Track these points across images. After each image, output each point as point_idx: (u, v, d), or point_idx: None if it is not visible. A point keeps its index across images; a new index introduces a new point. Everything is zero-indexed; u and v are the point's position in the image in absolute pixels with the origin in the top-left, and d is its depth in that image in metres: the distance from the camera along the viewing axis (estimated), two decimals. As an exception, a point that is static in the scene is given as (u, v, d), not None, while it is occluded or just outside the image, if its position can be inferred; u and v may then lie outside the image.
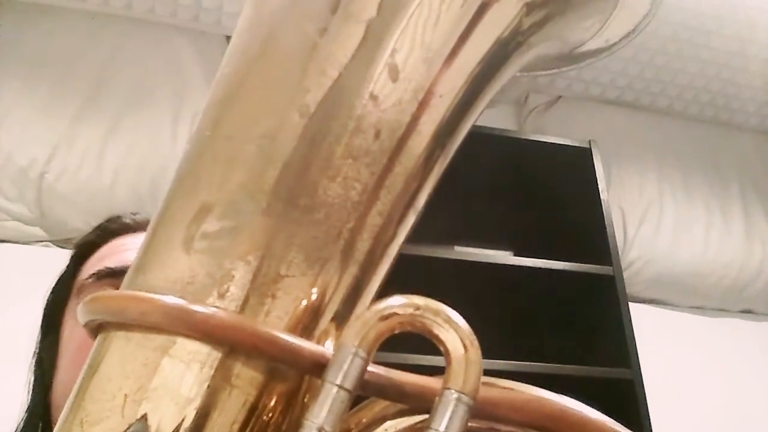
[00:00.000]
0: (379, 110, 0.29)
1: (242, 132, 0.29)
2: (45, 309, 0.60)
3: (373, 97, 0.29)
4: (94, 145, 1.47)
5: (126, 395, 0.24)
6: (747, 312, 1.89)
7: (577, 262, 1.43)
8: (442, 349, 0.24)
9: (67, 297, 0.58)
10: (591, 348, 1.45)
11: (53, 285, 0.61)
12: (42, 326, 0.59)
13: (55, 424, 0.52)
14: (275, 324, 0.26)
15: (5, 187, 1.43)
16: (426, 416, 0.24)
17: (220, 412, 0.24)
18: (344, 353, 0.24)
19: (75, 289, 0.57)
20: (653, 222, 1.79)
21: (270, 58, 0.31)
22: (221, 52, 1.67)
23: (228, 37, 1.69)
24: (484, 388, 0.24)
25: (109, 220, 0.63)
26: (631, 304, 1.41)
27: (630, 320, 1.37)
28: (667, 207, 1.82)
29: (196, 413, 0.24)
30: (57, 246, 1.46)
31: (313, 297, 0.27)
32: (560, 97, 1.90)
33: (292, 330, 0.26)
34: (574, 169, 1.57)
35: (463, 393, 0.23)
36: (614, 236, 1.48)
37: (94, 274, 0.54)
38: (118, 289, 0.50)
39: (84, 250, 0.60)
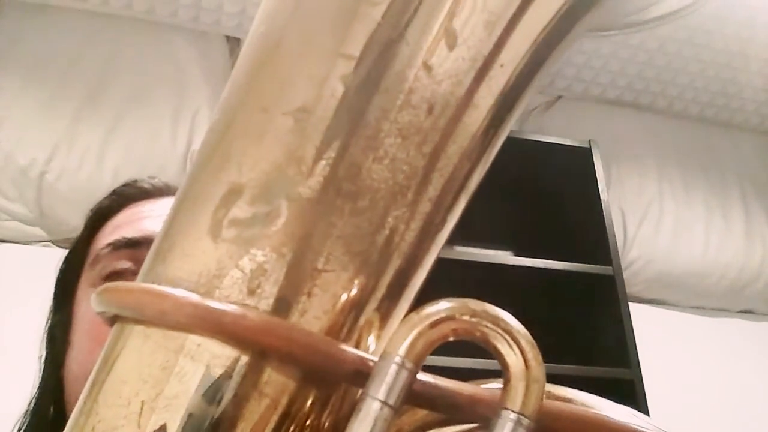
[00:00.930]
0: (433, 82, 0.25)
1: (277, 103, 0.26)
2: (57, 280, 0.56)
3: (427, 67, 0.25)
4: (94, 145, 1.47)
5: (143, 402, 0.22)
6: (747, 312, 1.89)
7: (577, 262, 1.44)
8: (500, 362, 0.22)
9: (81, 267, 0.54)
10: (591, 348, 1.45)
11: (66, 254, 0.57)
12: (54, 298, 0.56)
13: (68, 403, 0.50)
14: (311, 325, 0.23)
15: (5, 187, 1.43)
16: (472, 425, 0.23)
17: (247, 423, 0.22)
18: (389, 364, 0.21)
19: (90, 258, 0.53)
20: (653, 222, 1.79)
21: (309, 18, 0.27)
22: (221, 52, 1.67)
23: (228, 37, 1.69)
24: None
25: (126, 185, 0.59)
26: (631, 304, 1.42)
27: (630, 320, 1.37)
28: (667, 207, 1.82)
29: (221, 425, 0.22)
30: (57, 246, 1.46)
31: (354, 294, 0.24)
32: (560, 97, 1.89)
33: (330, 332, 0.24)
34: (574, 169, 1.57)
35: (522, 415, 0.21)
36: (614, 236, 1.48)
37: (110, 243, 0.51)
38: (135, 260, 0.49)
39: (99, 216, 0.56)
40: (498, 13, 0.26)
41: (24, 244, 1.46)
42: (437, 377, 0.23)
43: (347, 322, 0.24)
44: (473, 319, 0.22)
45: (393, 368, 0.21)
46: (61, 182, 1.43)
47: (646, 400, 1.29)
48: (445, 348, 0.26)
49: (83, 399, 0.24)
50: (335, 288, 0.24)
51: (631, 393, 1.29)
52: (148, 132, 1.51)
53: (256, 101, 0.26)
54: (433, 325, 0.22)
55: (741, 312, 1.89)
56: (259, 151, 0.25)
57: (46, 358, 0.54)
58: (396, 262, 0.25)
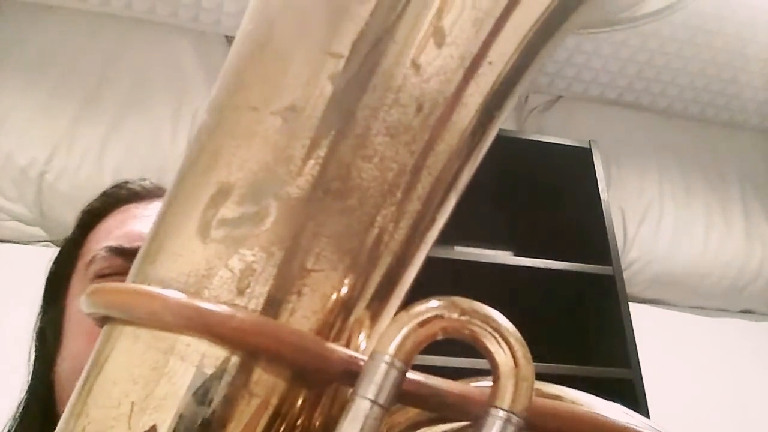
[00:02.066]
0: (421, 80, 0.25)
1: (265, 103, 0.25)
2: (47, 279, 0.56)
3: (415, 66, 0.25)
4: (94, 145, 1.47)
5: (133, 403, 0.22)
6: (747, 312, 1.89)
7: (577, 262, 1.43)
8: (489, 361, 0.22)
9: (73, 266, 0.54)
10: (591, 348, 1.45)
11: (56, 254, 0.57)
12: (44, 297, 0.55)
13: (59, 401, 0.49)
14: (301, 325, 0.23)
15: (5, 187, 1.42)
16: (464, 423, 0.23)
17: (238, 422, 0.22)
18: (379, 363, 0.21)
19: (86, 258, 0.52)
20: (653, 222, 1.79)
21: (298, 17, 0.27)
22: (221, 52, 1.67)
23: (228, 37, 1.69)
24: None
25: (117, 186, 0.59)
26: (631, 304, 1.41)
27: (630, 320, 1.37)
28: (667, 207, 1.82)
29: (211, 425, 0.22)
30: (57, 246, 1.45)
31: (343, 294, 0.24)
32: (560, 97, 1.90)
33: (320, 332, 0.23)
34: (574, 169, 1.57)
35: (512, 413, 0.21)
36: (614, 236, 1.48)
37: (109, 248, 0.50)
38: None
39: (90, 217, 0.56)
40: (486, 10, 0.26)
41: (24, 244, 1.46)
42: (427, 376, 0.23)
43: (337, 321, 0.24)
44: (462, 318, 0.22)
45: (383, 367, 0.21)
46: (61, 182, 1.43)
47: (646, 400, 1.29)
48: (438, 347, 0.25)
49: (73, 400, 0.24)
50: (325, 287, 0.24)
51: (631, 393, 1.29)
52: (148, 132, 1.51)
53: (244, 100, 0.26)
54: (422, 323, 0.22)
55: (741, 312, 1.89)
56: (248, 151, 0.25)
57: (36, 358, 0.54)
58: (386, 260, 0.25)
